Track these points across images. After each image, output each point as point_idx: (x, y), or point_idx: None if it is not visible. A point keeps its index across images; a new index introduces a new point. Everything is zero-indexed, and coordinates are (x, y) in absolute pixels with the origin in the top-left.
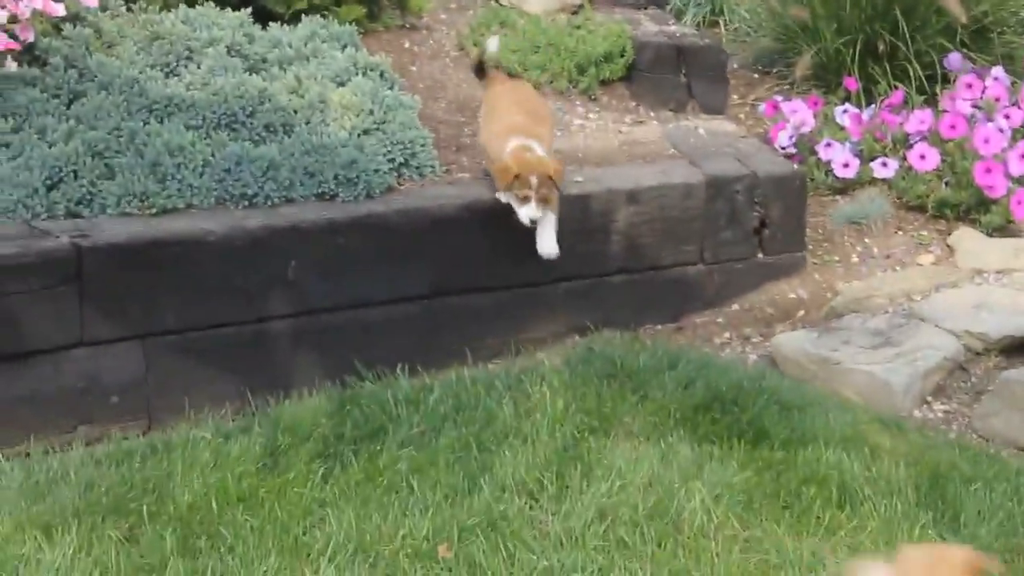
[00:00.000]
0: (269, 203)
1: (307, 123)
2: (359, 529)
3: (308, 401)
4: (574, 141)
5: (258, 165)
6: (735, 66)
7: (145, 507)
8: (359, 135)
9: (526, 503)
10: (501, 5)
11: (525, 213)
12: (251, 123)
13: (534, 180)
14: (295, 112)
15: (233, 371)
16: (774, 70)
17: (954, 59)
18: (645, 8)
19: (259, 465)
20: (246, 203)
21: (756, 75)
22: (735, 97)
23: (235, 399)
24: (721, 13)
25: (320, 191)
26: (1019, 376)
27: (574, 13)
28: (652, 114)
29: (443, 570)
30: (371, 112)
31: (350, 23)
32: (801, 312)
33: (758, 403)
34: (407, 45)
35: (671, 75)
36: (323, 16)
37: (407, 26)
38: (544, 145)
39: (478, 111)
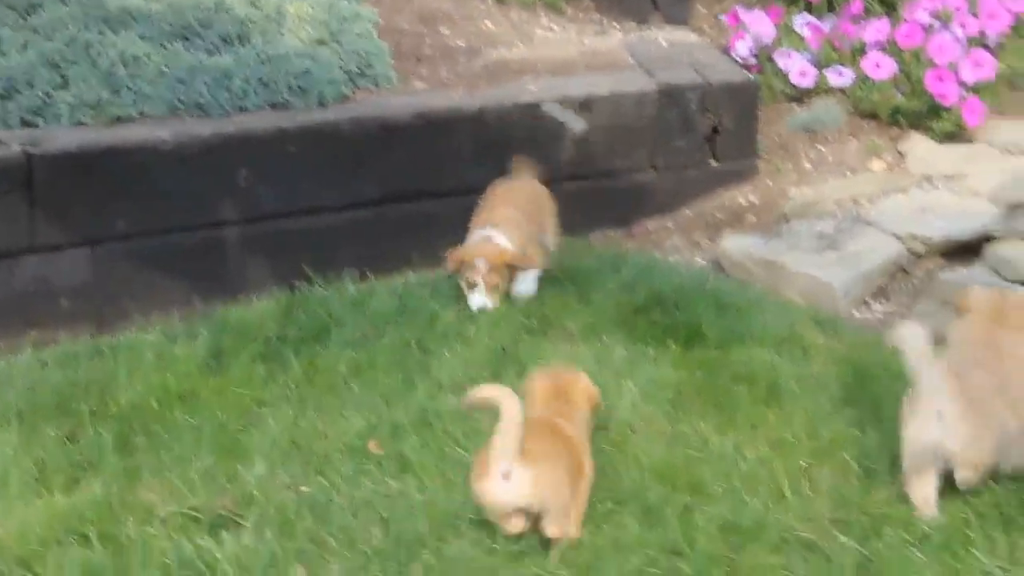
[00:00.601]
0: (223, 112)
1: (263, 34)
2: (295, 427)
3: (256, 305)
4: (535, 51)
5: (212, 75)
6: None
7: (87, 407)
8: (314, 46)
9: (458, 401)
10: None
11: (472, 301)
12: (207, 34)
13: (482, 264)
14: (252, 23)
15: (184, 276)
16: None
17: None
18: None
19: (202, 366)
20: (200, 112)
21: None
22: (702, 9)
23: (185, 304)
24: None
25: (273, 100)
26: (955, 277)
27: None
28: (617, 25)
29: (374, 465)
30: (326, 23)
31: None
32: (751, 217)
33: (696, 305)
34: None
35: None
36: None
37: None
38: (520, 237)
39: (440, 23)
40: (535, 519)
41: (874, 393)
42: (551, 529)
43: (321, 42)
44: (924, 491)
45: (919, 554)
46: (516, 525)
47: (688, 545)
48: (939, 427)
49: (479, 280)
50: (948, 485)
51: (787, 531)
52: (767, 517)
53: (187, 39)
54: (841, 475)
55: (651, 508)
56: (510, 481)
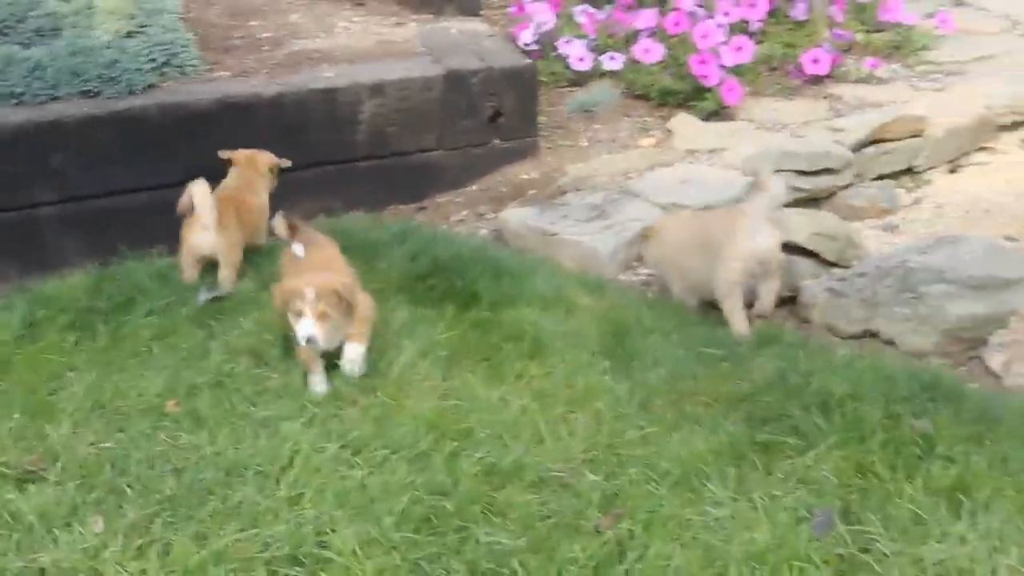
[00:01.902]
0: (37, 101)
1: (75, 27)
2: (99, 388)
3: (69, 279)
4: (336, 41)
5: (25, 66)
6: None
7: None
8: (123, 37)
9: (253, 363)
10: None
11: (299, 330)
12: (21, 28)
13: (310, 293)
14: (63, 18)
15: (2, 254)
16: None
17: None
18: None
19: (16, 336)
20: (15, 101)
21: None
22: (495, 1)
23: (3, 280)
24: None
25: (85, 89)
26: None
27: None
28: (414, 17)
29: (170, 422)
30: (133, 17)
31: None
32: (532, 191)
33: (473, 271)
34: None
35: None
36: None
37: None
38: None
39: (250, 16)
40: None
41: (628, 347)
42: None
43: (129, 34)
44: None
45: (660, 488)
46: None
47: (452, 485)
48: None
49: (307, 308)
50: (691, 432)
51: (543, 471)
52: (526, 459)
53: (4, 33)
54: (594, 420)
55: (421, 454)
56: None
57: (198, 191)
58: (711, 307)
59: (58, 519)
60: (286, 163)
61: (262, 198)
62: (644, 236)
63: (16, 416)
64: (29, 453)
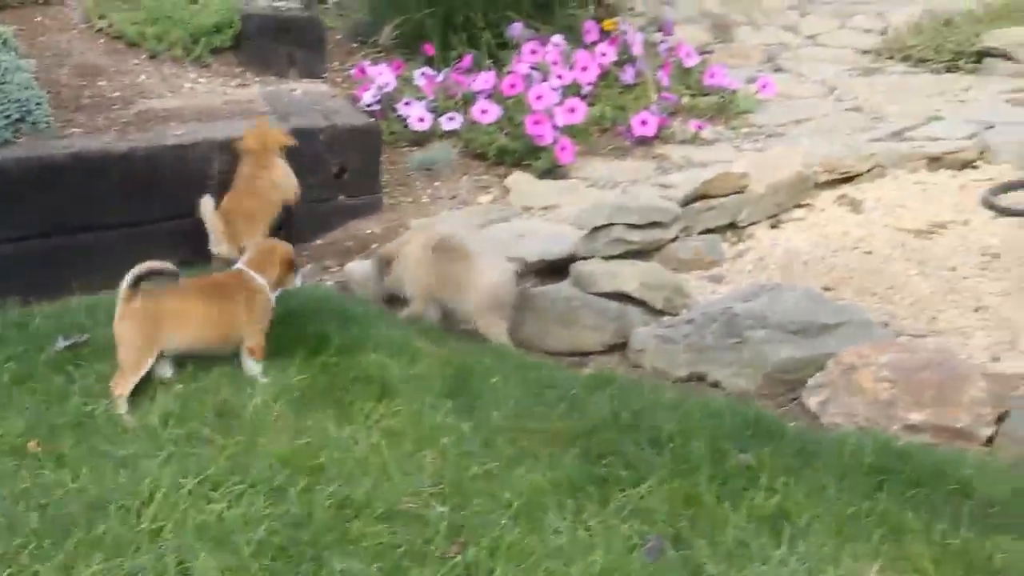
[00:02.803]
0: None
1: None
2: None
3: None
4: (184, 101)
5: None
6: (339, 37)
7: None
8: None
9: (110, 406)
10: None
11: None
12: None
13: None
14: None
15: None
16: (372, 40)
17: (515, 28)
18: None
19: None
20: None
21: (356, 44)
22: (337, 64)
23: None
24: None
25: None
26: (542, 292)
27: None
28: (258, 79)
29: (32, 460)
30: None
31: None
32: (375, 245)
33: (321, 318)
34: (39, 18)
35: (274, 45)
36: None
37: (40, 1)
38: None
39: (98, 76)
40: None
41: (471, 388)
42: None
43: None
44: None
45: (503, 518)
46: None
47: (307, 517)
48: None
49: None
50: (531, 466)
51: (393, 504)
52: (376, 492)
53: None
54: (440, 457)
55: (277, 488)
56: None
57: (204, 210)
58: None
59: None
60: (292, 142)
61: (276, 171)
62: (385, 261)
63: None
64: None
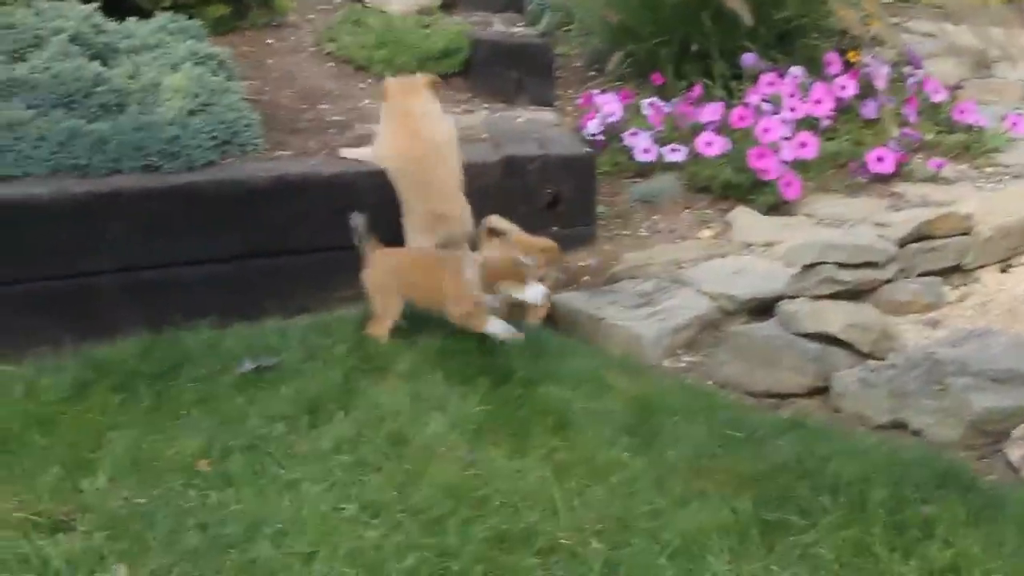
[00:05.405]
0: (99, 173)
1: (139, 104)
2: (137, 447)
3: (120, 345)
4: None
5: (89, 139)
6: (577, 64)
7: None
8: (186, 115)
9: (287, 430)
10: (365, 6)
11: (530, 292)
12: (87, 103)
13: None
14: (130, 94)
15: (58, 320)
16: (606, 68)
17: (748, 58)
18: (503, 12)
19: (64, 397)
20: (78, 173)
21: (591, 72)
22: (570, 92)
23: (58, 345)
24: (572, 18)
25: (146, 163)
26: (746, 330)
27: (431, 14)
28: (485, 105)
29: (201, 480)
30: (197, 95)
31: (216, 21)
32: (586, 277)
33: (511, 349)
34: (270, 41)
35: (503, 71)
36: (189, 15)
37: (274, 24)
38: None
39: (320, 99)
40: None
41: (652, 426)
42: None
43: (192, 112)
44: None
45: (660, 558)
46: None
47: (460, 548)
48: None
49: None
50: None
51: (551, 539)
52: (536, 527)
53: (70, 108)
54: (608, 494)
55: (437, 518)
56: None
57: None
58: None
59: (84, 566)
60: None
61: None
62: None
63: (55, 470)
64: (63, 505)
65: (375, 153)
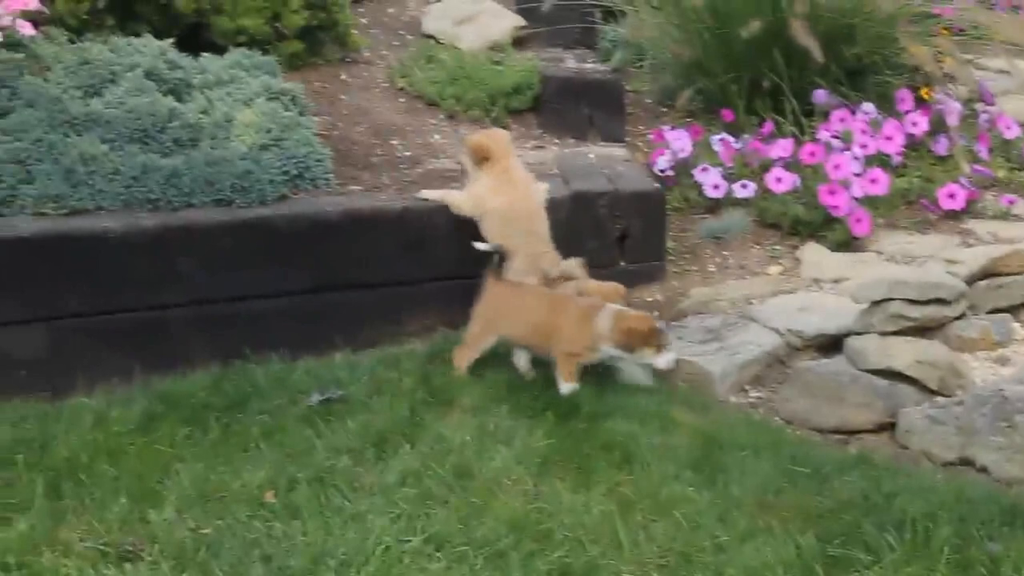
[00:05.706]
0: (171, 207)
1: (212, 138)
2: (204, 479)
3: (190, 377)
4: None
5: (162, 174)
6: (648, 100)
7: (24, 458)
8: (258, 150)
9: (353, 462)
10: (438, 42)
11: (663, 359)
12: (161, 137)
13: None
14: (202, 129)
15: (129, 351)
16: (677, 103)
17: (820, 95)
18: (575, 48)
19: (132, 428)
20: (150, 207)
21: (663, 108)
22: (640, 127)
23: (132, 376)
24: (644, 54)
25: (218, 198)
26: (813, 366)
27: (503, 51)
28: (556, 141)
29: (267, 512)
30: (269, 131)
31: (291, 56)
32: (655, 312)
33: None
34: (343, 76)
35: (574, 107)
36: (264, 51)
37: (347, 60)
38: None
39: (392, 135)
40: None
41: (717, 461)
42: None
43: (264, 147)
44: None
45: None
46: None
47: None
48: None
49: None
50: (763, 543)
51: (615, 573)
52: (600, 561)
53: (144, 142)
54: (673, 528)
55: (500, 551)
56: None
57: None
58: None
59: None
60: None
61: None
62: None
63: (123, 501)
64: (131, 535)
65: (473, 203)
